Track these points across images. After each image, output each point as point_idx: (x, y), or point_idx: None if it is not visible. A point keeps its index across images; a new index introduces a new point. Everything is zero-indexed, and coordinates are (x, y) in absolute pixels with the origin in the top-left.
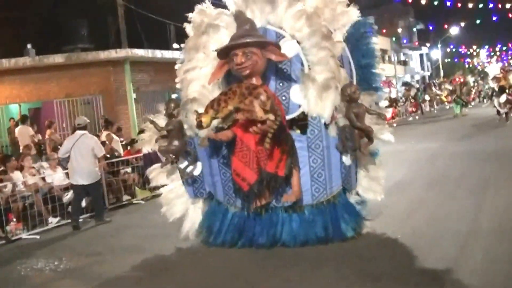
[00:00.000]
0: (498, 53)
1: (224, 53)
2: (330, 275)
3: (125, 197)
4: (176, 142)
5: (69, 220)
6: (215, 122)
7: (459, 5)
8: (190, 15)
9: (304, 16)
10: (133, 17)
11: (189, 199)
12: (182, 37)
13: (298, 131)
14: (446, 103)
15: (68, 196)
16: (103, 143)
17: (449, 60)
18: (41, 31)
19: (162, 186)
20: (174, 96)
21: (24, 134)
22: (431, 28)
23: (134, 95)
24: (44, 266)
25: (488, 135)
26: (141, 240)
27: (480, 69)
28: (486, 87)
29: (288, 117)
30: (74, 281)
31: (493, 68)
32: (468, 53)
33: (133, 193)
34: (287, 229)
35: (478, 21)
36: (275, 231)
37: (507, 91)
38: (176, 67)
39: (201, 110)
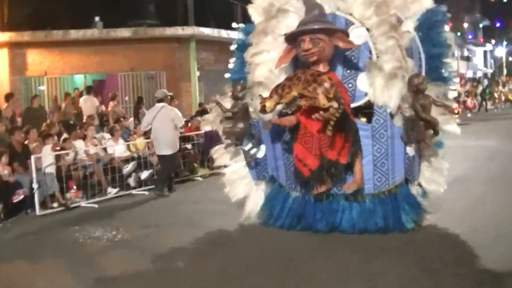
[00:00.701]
0: None
1: (292, 38)
2: (388, 265)
3: (184, 173)
4: (241, 125)
5: (128, 192)
6: (279, 107)
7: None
8: None
9: (374, 4)
10: None
11: (252, 181)
12: (248, 17)
13: (364, 119)
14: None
15: (128, 168)
16: None
17: None
18: (108, 4)
19: (224, 165)
20: (227, 76)
21: (89, 104)
22: (497, 25)
23: (197, 73)
24: (101, 234)
25: None
26: (199, 216)
27: None
28: None
29: (353, 105)
30: (130, 252)
31: None
32: None
33: (192, 169)
34: (347, 217)
35: None
36: (334, 218)
37: None
38: (232, 47)
39: (266, 94)
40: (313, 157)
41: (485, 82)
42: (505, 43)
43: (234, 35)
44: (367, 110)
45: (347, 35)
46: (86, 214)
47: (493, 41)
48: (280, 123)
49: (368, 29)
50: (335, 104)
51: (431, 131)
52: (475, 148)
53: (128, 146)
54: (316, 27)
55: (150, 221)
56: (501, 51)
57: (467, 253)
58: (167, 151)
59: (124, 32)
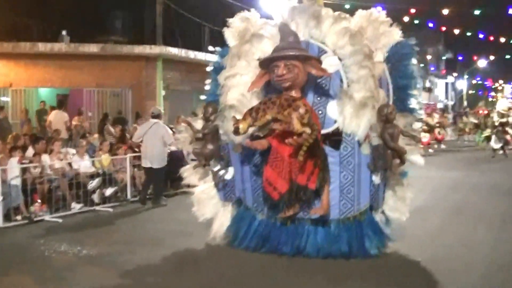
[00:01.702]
0: None
1: (266, 63)
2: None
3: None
4: (210, 146)
5: (92, 208)
6: (250, 130)
7: (491, 38)
8: (230, 20)
9: (348, 34)
10: (170, 15)
11: (219, 202)
12: (216, 39)
13: (331, 147)
14: (468, 135)
15: (93, 184)
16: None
17: (474, 92)
18: (76, 18)
19: (189, 185)
20: (202, 97)
21: (59, 118)
22: (460, 58)
23: (163, 92)
24: (67, 249)
25: (507, 170)
26: (165, 235)
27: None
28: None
29: (323, 132)
30: (98, 268)
31: (501, 103)
32: (493, 87)
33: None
34: (311, 241)
35: (508, 56)
36: (299, 242)
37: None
38: (208, 69)
39: (238, 116)
40: (283, 180)
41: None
42: (466, 76)
43: (201, 56)
44: (336, 137)
45: (320, 62)
46: (51, 228)
47: (454, 74)
48: (252, 146)
49: (340, 58)
50: (308, 130)
51: (398, 160)
52: (438, 179)
53: (93, 162)
54: (292, 53)
55: (116, 238)
56: (462, 84)
57: (429, 281)
58: (155, 165)
59: (92, 48)
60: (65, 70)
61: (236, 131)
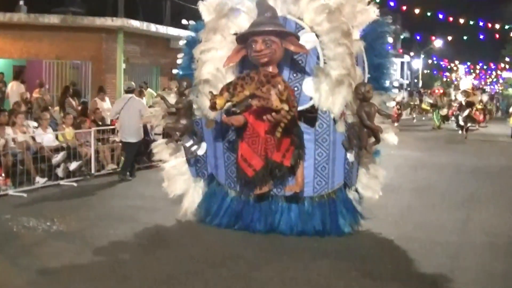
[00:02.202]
0: (477, 71)
1: (243, 38)
2: (329, 268)
3: (111, 166)
4: (184, 121)
5: (56, 182)
6: (227, 106)
7: (450, 19)
8: None
9: (326, 10)
10: None
11: (190, 178)
12: (176, 13)
13: (306, 124)
14: (427, 114)
15: (57, 158)
16: (96, 109)
17: (428, 71)
18: None
19: (151, 160)
20: (175, 71)
21: (16, 90)
22: (418, 38)
23: (123, 65)
24: (35, 225)
25: (467, 150)
26: (132, 211)
27: (457, 84)
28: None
29: (298, 109)
30: (70, 244)
31: (465, 82)
32: (449, 67)
33: (118, 163)
34: (285, 218)
35: (465, 37)
36: (273, 219)
37: (473, 107)
38: (181, 43)
39: (215, 92)
40: (258, 157)
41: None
42: (422, 56)
43: (162, 30)
44: (311, 114)
45: (298, 39)
46: (16, 203)
47: (411, 53)
48: (228, 122)
49: (317, 35)
50: (286, 107)
51: (373, 139)
52: (399, 158)
53: (56, 135)
54: (270, 29)
55: (85, 214)
56: (418, 63)
57: (404, 259)
58: (133, 139)
59: (53, 19)
60: (24, 41)
61: (213, 107)
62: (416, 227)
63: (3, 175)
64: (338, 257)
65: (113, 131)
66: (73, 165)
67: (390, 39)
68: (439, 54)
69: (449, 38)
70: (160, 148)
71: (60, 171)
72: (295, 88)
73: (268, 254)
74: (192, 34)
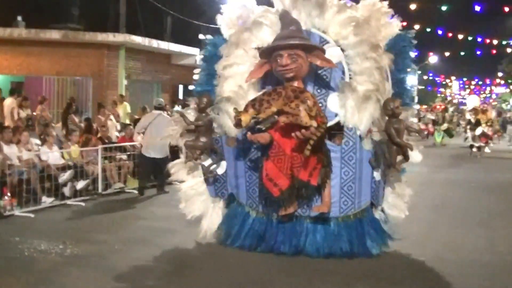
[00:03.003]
0: (472, 87)
1: (267, 53)
2: None
3: (118, 185)
4: (203, 139)
5: (63, 202)
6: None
7: (450, 34)
8: (224, 6)
9: (353, 23)
10: (131, 2)
11: (209, 198)
12: (177, 29)
13: (332, 142)
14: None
15: (65, 176)
16: (103, 127)
17: (423, 87)
18: (31, 4)
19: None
20: (192, 88)
21: (9, 106)
22: (416, 53)
23: (125, 82)
24: (48, 248)
25: (475, 166)
26: (149, 233)
27: (450, 99)
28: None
29: None
30: (88, 270)
31: (472, 100)
32: (444, 83)
33: (125, 181)
34: (311, 240)
35: (462, 53)
36: (298, 241)
37: (483, 124)
38: (198, 59)
39: (238, 108)
40: (284, 176)
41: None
42: (418, 71)
43: (164, 45)
44: (337, 131)
45: (324, 52)
46: (24, 224)
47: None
48: (254, 140)
49: (342, 49)
50: (314, 123)
51: (401, 157)
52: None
53: (62, 153)
54: (296, 42)
55: (98, 236)
56: (413, 79)
57: (438, 281)
58: (159, 155)
59: (54, 34)
60: (24, 57)
61: (238, 124)
62: (444, 247)
63: (9, 194)
64: (371, 280)
65: (120, 149)
66: (80, 184)
67: (412, 54)
68: (435, 70)
69: (447, 54)
70: (177, 167)
71: (67, 190)
72: (320, 104)
73: (297, 279)
74: (209, 49)
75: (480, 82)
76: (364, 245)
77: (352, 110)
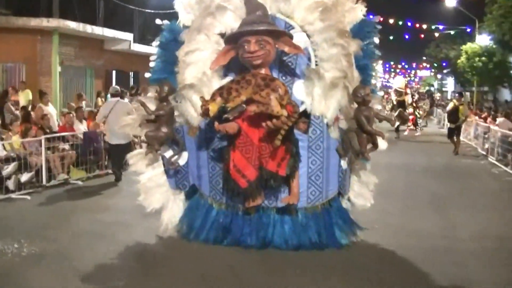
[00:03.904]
0: (398, 70)
1: (233, 39)
2: (341, 283)
3: (62, 176)
4: (165, 129)
5: (7, 196)
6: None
7: (381, 19)
8: None
9: (320, 8)
10: None
11: (169, 190)
12: (109, 14)
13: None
14: None
15: (8, 169)
16: (44, 115)
17: None
18: None
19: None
20: (147, 75)
21: None
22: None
23: (59, 68)
24: (3, 248)
25: (413, 149)
26: (104, 227)
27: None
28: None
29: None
30: (50, 269)
31: (397, 81)
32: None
33: (68, 171)
34: (278, 231)
35: (391, 37)
36: (265, 233)
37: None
38: (154, 44)
39: (196, 97)
40: (252, 167)
41: None
42: None
43: (98, 30)
44: (303, 119)
45: (292, 39)
46: None
47: None
48: (222, 130)
49: (308, 35)
50: (285, 112)
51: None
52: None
53: (2, 145)
54: (264, 28)
55: (51, 232)
56: (379, 67)
57: (410, 272)
58: (121, 141)
59: None
60: None
61: (206, 113)
62: (406, 234)
63: None
64: (345, 271)
65: (63, 139)
66: (24, 177)
67: (376, 40)
68: None
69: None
70: (136, 158)
71: (11, 184)
72: None
73: (271, 275)
74: (166, 35)
75: (406, 66)
76: (333, 235)
77: (319, 97)
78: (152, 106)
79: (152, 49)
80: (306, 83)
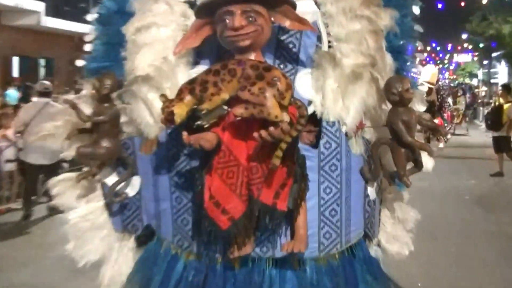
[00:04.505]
0: (425, 54)
1: (208, 9)
2: None
3: None
4: (106, 143)
5: None
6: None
7: None
8: None
9: None
10: None
11: (113, 234)
12: None
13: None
14: None
15: None
16: None
17: None
18: None
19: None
20: (80, 63)
21: None
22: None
23: None
24: None
25: (453, 169)
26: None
27: None
28: None
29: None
30: None
31: (426, 71)
32: None
33: None
34: None
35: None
36: None
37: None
38: (90, 18)
39: (153, 95)
40: (237, 198)
41: None
42: None
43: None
44: (312, 127)
45: (295, 7)
46: None
47: None
48: (194, 143)
49: (317, 3)
50: (287, 117)
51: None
52: None
53: None
54: None
55: None
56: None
57: None
58: (45, 160)
59: None
60: None
61: (169, 119)
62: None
63: None
64: None
65: None
66: None
67: (416, 9)
68: None
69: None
70: (62, 187)
71: None
72: None
73: None
74: (108, 4)
75: (438, 48)
76: None
77: (334, 95)
78: (87, 109)
79: (75, 25)
80: (316, 73)
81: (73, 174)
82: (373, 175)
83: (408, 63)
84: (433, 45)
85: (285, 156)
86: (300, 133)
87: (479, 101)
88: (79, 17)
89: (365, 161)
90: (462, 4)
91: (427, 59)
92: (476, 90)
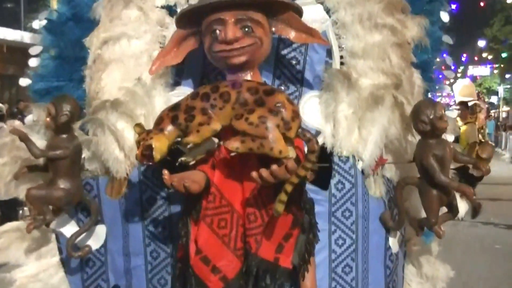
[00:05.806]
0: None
1: (191, 17)
2: None
3: None
4: (64, 183)
5: None
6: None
7: None
8: None
9: None
10: None
11: None
12: None
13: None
14: None
15: None
16: None
17: None
18: None
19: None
20: (25, 83)
21: None
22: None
23: None
24: None
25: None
26: None
27: None
28: None
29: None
30: None
31: (461, 87)
32: None
33: None
34: None
35: None
36: None
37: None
38: (36, 25)
39: (124, 124)
40: (231, 253)
41: None
42: None
43: None
44: (321, 164)
45: (301, 15)
46: None
47: None
48: (177, 186)
49: (327, 9)
50: (293, 152)
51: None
52: None
53: None
54: None
55: None
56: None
57: None
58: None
59: None
60: None
61: (146, 155)
62: None
63: None
64: None
65: None
66: None
67: (445, 16)
68: None
69: None
70: (8, 239)
71: None
72: None
73: None
74: (62, 8)
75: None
76: None
77: (349, 123)
78: (39, 142)
79: (3, 31)
80: (325, 97)
81: (20, 223)
82: (396, 223)
83: (436, 84)
84: (444, 54)
85: (290, 201)
86: (309, 173)
87: (502, 124)
88: (6, 21)
89: (386, 205)
90: (482, 4)
91: (436, 73)
92: (494, 110)
